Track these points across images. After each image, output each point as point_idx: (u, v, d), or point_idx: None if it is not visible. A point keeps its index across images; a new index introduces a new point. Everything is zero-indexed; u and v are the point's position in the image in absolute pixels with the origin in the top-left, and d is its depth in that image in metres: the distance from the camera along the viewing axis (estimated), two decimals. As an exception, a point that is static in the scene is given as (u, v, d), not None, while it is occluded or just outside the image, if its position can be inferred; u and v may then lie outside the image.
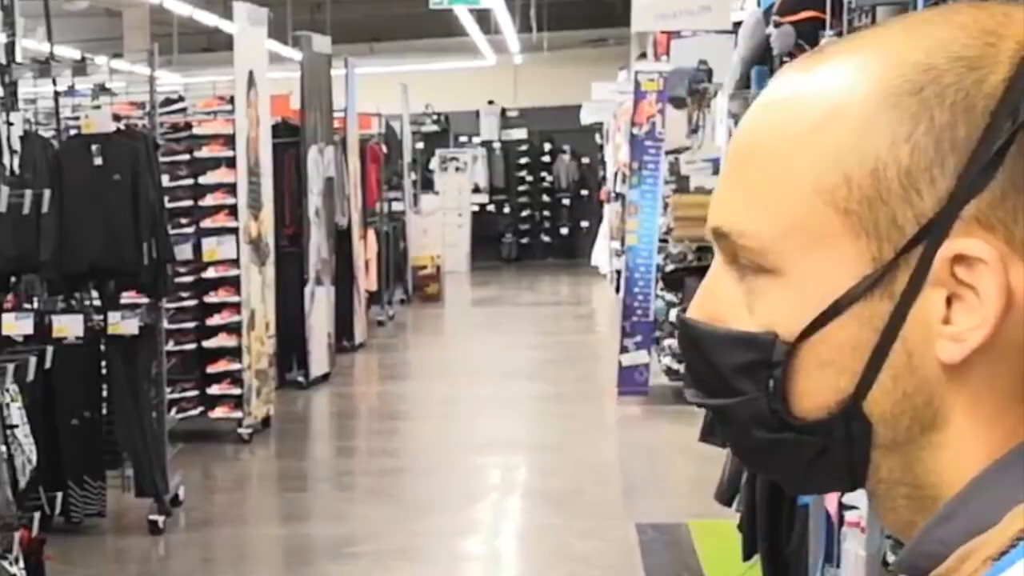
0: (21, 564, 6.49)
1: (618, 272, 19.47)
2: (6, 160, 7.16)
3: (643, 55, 18.52)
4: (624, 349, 14.02)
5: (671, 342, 13.64)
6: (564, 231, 30.31)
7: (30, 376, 7.26)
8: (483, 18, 23.82)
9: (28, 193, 7.37)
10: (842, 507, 5.68)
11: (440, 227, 24.99)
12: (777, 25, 7.12)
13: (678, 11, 11.31)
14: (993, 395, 1.00)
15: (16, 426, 6.73)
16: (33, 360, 7.35)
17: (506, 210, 30.28)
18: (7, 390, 6.74)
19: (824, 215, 1.02)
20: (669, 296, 13.58)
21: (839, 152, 1.01)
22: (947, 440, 1.02)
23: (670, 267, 13.30)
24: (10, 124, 7.34)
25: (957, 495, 1.00)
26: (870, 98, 1.00)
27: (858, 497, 5.17)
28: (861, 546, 5.19)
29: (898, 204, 0.99)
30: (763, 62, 7.61)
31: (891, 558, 4.47)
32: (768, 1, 8.04)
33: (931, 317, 0.99)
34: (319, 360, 14.72)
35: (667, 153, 13.36)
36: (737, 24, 9.69)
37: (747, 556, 7.00)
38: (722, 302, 1.08)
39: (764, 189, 1.05)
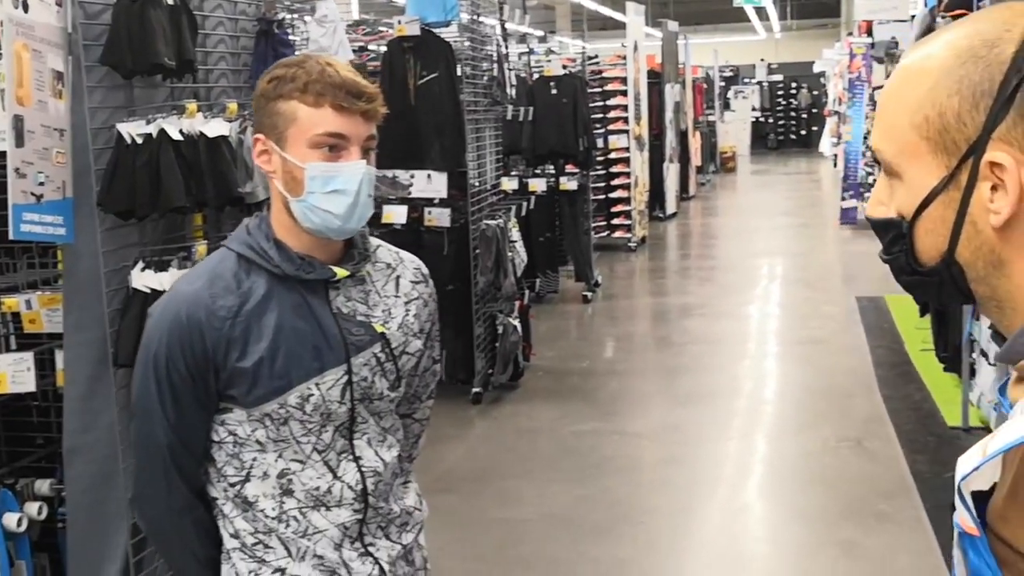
0: (518, 319, 6.73)
1: (835, 155, 19.18)
2: (508, 91, 7.40)
3: (850, 33, 18.29)
4: (843, 198, 14.15)
5: (870, 193, 13.43)
6: (803, 132, 29.61)
7: (522, 213, 7.48)
8: (760, 11, 24.19)
9: (520, 109, 7.68)
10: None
11: (734, 130, 25.66)
12: (941, 17, 6.80)
13: (879, 8, 12.02)
14: None
15: (515, 241, 6.84)
16: (523, 204, 7.62)
17: (770, 120, 29.66)
18: (511, 220, 6.88)
19: (917, 141, 1.01)
20: (870, 168, 13.17)
21: (922, 102, 1.00)
22: (1011, 274, 0.99)
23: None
24: (508, 70, 7.42)
25: None
26: (938, 69, 0.99)
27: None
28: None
29: (955, 132, 0.98)
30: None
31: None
32: (932, 3, 7.72)
33: (983, 200, 0.97)
34: (670, 204, 14.75)
35: (873, 89, 12.88)
36: (913, 16, 9.49)
37: (923, 314, 6.90)
38: (882, 194, 1.07)
39: (888, 123, 1.04)
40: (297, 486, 1.81)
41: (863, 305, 8.75)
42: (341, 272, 1.81)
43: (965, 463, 0.95)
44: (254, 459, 1.81)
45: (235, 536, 1.84)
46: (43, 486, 3.16)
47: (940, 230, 1.01)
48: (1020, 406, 0.94)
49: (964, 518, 0.96)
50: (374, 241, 1.93)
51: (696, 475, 5.30)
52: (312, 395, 1.77)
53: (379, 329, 1.85)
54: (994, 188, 0.96)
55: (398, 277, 1.93)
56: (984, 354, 5.43)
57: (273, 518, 1.82)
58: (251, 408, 1.77)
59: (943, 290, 1.04)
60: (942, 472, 5.11)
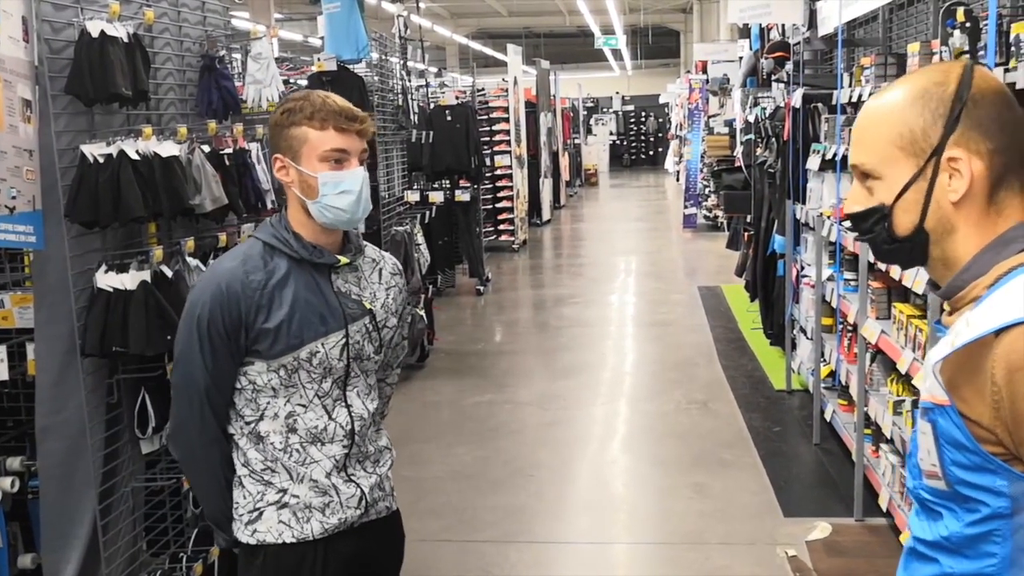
0: (423, 310, 6.69)
1: (677, 172, 19.47)
2: (411, 118, 7.34)
3: (689, 71, 18.66)
4: (685, 206, 14.34)
5: (707, 202, 13.77)
6: (651, 153, 29.96)
7: (425, 220, 7.47)
8: (615, 52, 24.76)
9: (422, 133, 7.63)
10: (800, 275, 5.53)
11: (596, 151, 25.83)
12: (764, 58, 7.00)
13: (712, 51, 12.48)
14: (974, 215, 1.16)
15: (420, 244, 6.80)
16: (425, 213, 7.60)
17: (625, 143, 29.98)
18: (416, 226, 6.84)
19: (895, 152, 1.18)
20: (707, 182, 13.42)
21: (896, 125, 1.18)
22: (958, 238, 1.17)
23: (714, 168, 13.09)
24: (411, 101, 7.36)
25: (968, 262, 1.17)
26: (905, 102, 1.18)
27: (810, 270, 5.00)
28: (811, 293, 5.10)
29: (922, 142, 1.17)
30: (753, 75, 7.51)
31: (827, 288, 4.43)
32: (756, 45, 7.94)
33: (943, 185, 1.16)
34: (546, 212, 14.79)
35: (708, 116, 13.16)
36: (740, 57, 9.66)
37: (752, 299, 7.00)
38: (858, 195, 1.23)
39: (869, 143, 1.21)
40: (300, 425, 1.94)
41: (703, 293, 8.91)
42: (343, 260, 1.97)
43: (937, 352, 1.12)
44: (267, 403, 1.93)
45: (246, 465, 1.96)
46: (14, 462, 3.02)
47: (913, 209, 1.18)
48: (960, 323, 1.11)
49: (936, 394, 1.12)
50: (363, 241, 2.08)
51: (574, 434, 5.35)
52: (318, 352, 1.92)
53: (368, 306, 2.00)
54: (950, 176, 1.15)
55: (381, 269, 2.09)
56: (803, 330, 5.52)
57: (279, 450, 1.94)
58: (271, 360, 1.90)
59: (913, 253, 1.21)
60: (772, 426, 5.26)
